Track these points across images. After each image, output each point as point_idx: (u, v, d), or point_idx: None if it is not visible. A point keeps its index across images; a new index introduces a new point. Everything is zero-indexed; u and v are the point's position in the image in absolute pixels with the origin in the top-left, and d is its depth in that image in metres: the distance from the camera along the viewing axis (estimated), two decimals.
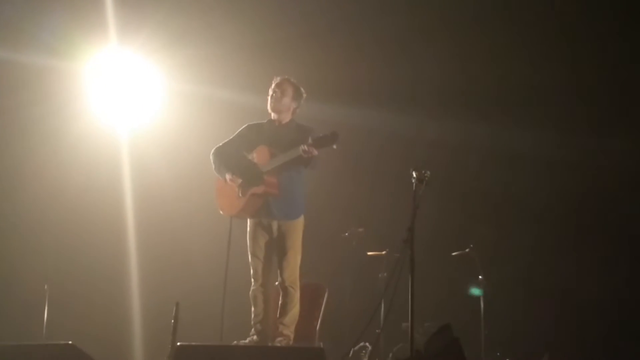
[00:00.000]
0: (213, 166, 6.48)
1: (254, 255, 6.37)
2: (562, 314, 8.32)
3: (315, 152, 5.88)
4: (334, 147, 5.82)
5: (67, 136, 9.01)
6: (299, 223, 6.34)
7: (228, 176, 6.32)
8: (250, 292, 6.38)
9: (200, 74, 9.10)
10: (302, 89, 6.47)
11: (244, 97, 8.51)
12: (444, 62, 8.79)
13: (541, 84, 8.64)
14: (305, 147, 5.86)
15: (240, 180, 6.25)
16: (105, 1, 8.61)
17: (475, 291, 8.19)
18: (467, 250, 8.14)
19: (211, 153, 6.52)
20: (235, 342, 6.26)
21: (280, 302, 6.31)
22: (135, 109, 9.33)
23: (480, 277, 8.08)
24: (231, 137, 6.54)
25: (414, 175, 5.64)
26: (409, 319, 5.47)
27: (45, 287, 8.09)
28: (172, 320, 5.87)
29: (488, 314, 8.00)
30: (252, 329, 6.35)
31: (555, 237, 8.54)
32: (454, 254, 8.27)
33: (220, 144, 6.53)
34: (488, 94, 8.79)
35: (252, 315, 6.37)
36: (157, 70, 9.22)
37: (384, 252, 8.44)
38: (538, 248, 8.56)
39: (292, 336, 6.25)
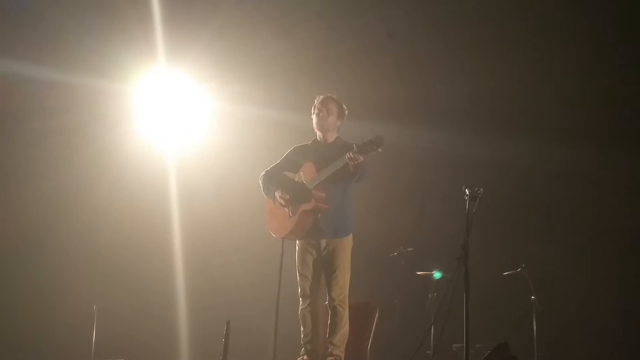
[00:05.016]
0: (262, 189, 6.42)
1: (301, 274, 6.28)
2: (617, 336, 8.12)
3: (361, 158, 5.78)
4: (380, 150, 5.68)
5: (115, 157, 9.10)
6: (348, 241, 6.24)
7: (277, 194, 6.25)
8: (299, 312, 6.30)
9: (248, 94, 9.12)
10: (344, 106, 6.39)
11: (291, 116, 8.49)
12: (493, 79, 8.68)
13: (586, 102, 8.56)
14: (351, 154, 5.77)
15: (288, 196, 6.20)
16: (154, 23, 8.69)
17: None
18: (518, 269, 7.97)
19: (260, 177, 6.46)
20: None
21: (329, 322, 6.20)
22: (183, 129, 9.40)
23: (532, 297, 7.90)
24: (278, 161, 6.47)
25: (467, 192, 5.53)
26: (464, 339, 5.33)
27: (94, 307, 8.14)
28: (223, 339, 5.83)
29: (541, 335, 7.83)
30: (302, 349, 6.26)
31: (609, 257, 8.36)
32: (505, 273, 8.12)
33: (268, 168, 6.47)
34: (539, 112, 8.73)
35: (302, 335, 6.28)
36: (204, 91, 9.28)
37: (433, 272, 8.33)
38: (592, 267, 8.39)
39: (342, 356, 6.14)
